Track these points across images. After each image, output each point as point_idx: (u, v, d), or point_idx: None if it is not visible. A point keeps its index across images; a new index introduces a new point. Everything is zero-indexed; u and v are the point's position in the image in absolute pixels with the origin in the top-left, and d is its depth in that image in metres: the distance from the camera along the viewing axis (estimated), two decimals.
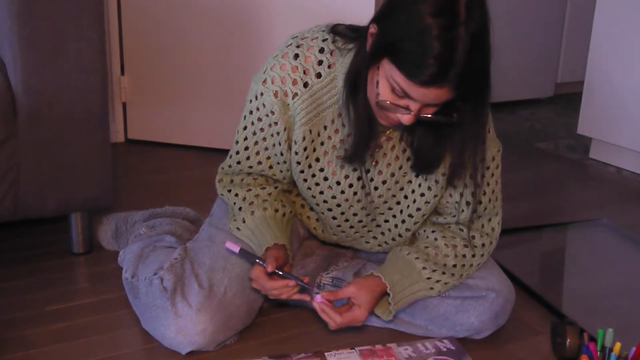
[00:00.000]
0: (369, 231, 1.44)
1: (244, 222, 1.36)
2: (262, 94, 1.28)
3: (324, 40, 1.26)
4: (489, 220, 1.38)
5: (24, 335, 1.36)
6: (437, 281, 1.35)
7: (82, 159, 1.57)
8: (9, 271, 1.61)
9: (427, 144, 1.27)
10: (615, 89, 2.60)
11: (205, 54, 2.49)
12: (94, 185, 1.61)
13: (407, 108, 1.13)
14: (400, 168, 1.34)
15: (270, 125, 1.29)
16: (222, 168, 1.41)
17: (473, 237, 1.33)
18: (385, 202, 1.37)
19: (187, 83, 2.55)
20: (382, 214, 1.40)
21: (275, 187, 1.40)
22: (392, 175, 1.34)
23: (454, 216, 1.37)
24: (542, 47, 3.64)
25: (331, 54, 1.25)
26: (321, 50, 1.25)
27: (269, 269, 1.24)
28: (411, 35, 1.05)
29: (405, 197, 1.37)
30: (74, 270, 1.65)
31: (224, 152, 2.52)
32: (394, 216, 1.40)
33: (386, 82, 1.12)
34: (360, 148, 1.26)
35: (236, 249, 1.28)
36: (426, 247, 1.37)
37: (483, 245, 1.37)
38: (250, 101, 1.31)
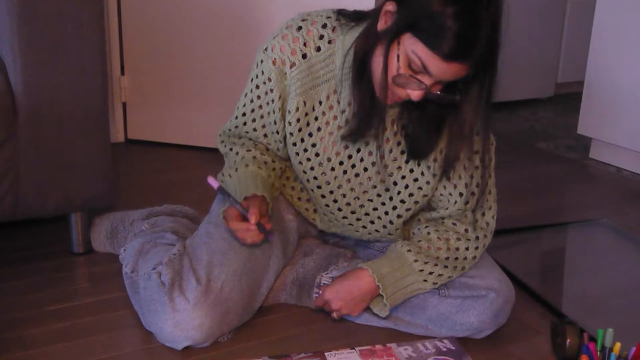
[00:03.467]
0: (357, 219, 1.44)
1: (236, 171, 1.38)
2: (262, 61, 1.33)
3: (328, 18, 1.31)
4: (483, 214, 1.38)
5: (24, 335, 1.36)
6: (430, 273, 1.35)
7: (82, 159, 1.57)
8: (9, 271, 1.61)
9: (421, 129, 1.30)
10: (615, 89, 2.60)
11: (206, 53, 2.49)
12: (94, 185, 1.61)
13: (421, 82, 1.17)
14: (391, 152, 1.35)
15: (266, 92, 1.34)
16: (224, 131, 1.46)
17: (467, 230, 1.35)
18: (375, 186, 1.38)
19: (187, 83, 2.55)
20: (371, 200, 1.41)
21: (273, 162, 1.43)
22: (382, 157, 1.34)
23: (447, 209, 1.38)
24: (542, 47, 3.65)
25: (333, 30, 1.30)
26: (324, 26, 1.30)
27: (252, 221, 1.24)
28: (438, 13, 1.10)
29: (395, 183, 1.37)
30: (74, 270, 1.65)
31: None
32: (383, 204, 1.40)
33: (405, 57, 1.16)
34: (364, 125, 1.29)
35: (215, 184, 1.28)
36: (419, 241, 1.38)
37: (477, 238, 1.37)
38: (253, 69, 1.36)
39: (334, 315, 1.41)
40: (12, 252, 1.70)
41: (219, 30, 2.46)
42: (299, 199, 1.50)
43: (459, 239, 1.36)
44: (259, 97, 1.36)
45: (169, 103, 2.59)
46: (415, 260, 1.35)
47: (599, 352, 1.26)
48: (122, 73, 2.60)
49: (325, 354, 1.33)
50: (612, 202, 2.31)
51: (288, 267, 1.50)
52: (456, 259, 1.36)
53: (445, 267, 1.35)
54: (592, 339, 1.30)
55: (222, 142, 1.46)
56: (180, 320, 1.28)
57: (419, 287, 1.36)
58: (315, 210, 1.50)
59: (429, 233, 1.38)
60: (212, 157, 2.52)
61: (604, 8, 2.62)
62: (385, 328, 1.43)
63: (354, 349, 1.35)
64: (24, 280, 1.57)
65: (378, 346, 1.36)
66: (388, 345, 1.36)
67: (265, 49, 1.32)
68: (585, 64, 2.73)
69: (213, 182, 1.29)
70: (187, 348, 1.31)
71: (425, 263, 1.35)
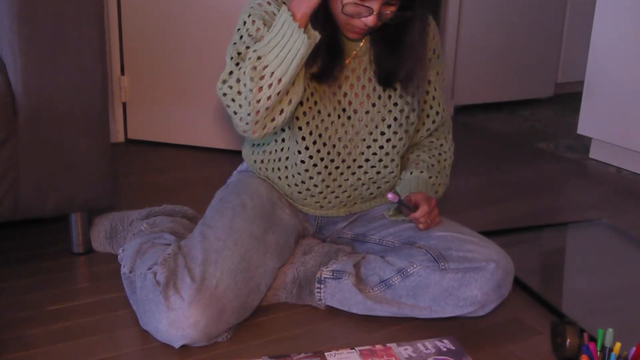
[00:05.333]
0: (359, 166, 1.51)
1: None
2: (249, 16, 1.38)
3: None
4: (448, 130, 1.66)
5: (24, 335, 1.36)
6: (438, 184, 1.58)
7: (82, 159, 1.57)
8: (9, 271, 1.61)
9: (384, 52, 1.43)
10: (615, 89, 2.60)
11: (205, 54, 2.50)
12: (94, 185, 1.61)
13: (369, 8, 1.30)
14: (364, 88, 1.47)
15: (258, 29, 1.39)
16: (223, 80, 1.35)
17: (442, 144, 1.63)
18: (366, 125, 1.48)
19: (187, 83, 2.55)
20: (364, 139, 1.49)
21: None
22: (368, 96, 1.47)
23: (426, 127, 1.61)
24: (542, 47, 3.65)
25: None
26: None
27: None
28: None
29: (388, 126, 1.49)
30: (74, 270, 1.65)
31: (224, 152, 2.55)
32: (375, 140, 1.50)
33: None
34: (330, 63, 1.40)
35: (396, 198, 1.39)
36: (417, 164, 1.58)
37: (449, 149, 1.65)
38: (239, 29, 1.39)
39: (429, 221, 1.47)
40: (12, 252, 1.71)
41: (219, 31, 2.46)
42: (296, 184, 1.51)
43: (440, 154, 1.62)
44: (258, 29, 1.36)
45: (169, 103, 2.59)
46: (430, 177, 1.56)
47: (599, 352, 1.26)
48: (122, 73, 2.60)
49: (325, 354, 1.33)
50: (612, 202, 2.30)
51: (288, 266, 1.50)
52: (444, 167, 1.63)
53: (440, 177, 1.59)
54: (592, 339, 1.31)
55: (221, 89, 1.35)
56: (175, 319, 1.28)
57: (432, 196, 1.53)
58: (308, 189, 1.51)
59: (418, 156, 1.60)
60: (212, 157, 2.53)
61: (604, 8, 2.62)
62: (387, 322, 1.43)
63: (354, 349, 1.35)
64: (24, 280, 1.57)
65: (378, 346, 1.36)
66: (388, 345, 1.36)
67: (252, 7, 1.38)
68: (585, 64, 2.73)
69: (393, 197, 1.38)
70: (186, 348, 1.31)
71: (436, 177, 1.57)
